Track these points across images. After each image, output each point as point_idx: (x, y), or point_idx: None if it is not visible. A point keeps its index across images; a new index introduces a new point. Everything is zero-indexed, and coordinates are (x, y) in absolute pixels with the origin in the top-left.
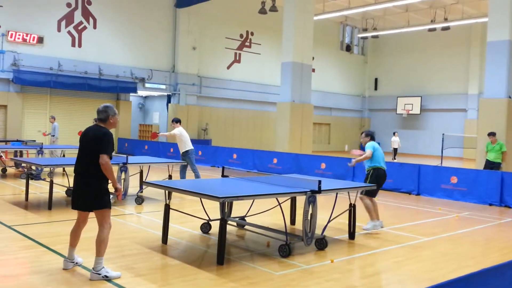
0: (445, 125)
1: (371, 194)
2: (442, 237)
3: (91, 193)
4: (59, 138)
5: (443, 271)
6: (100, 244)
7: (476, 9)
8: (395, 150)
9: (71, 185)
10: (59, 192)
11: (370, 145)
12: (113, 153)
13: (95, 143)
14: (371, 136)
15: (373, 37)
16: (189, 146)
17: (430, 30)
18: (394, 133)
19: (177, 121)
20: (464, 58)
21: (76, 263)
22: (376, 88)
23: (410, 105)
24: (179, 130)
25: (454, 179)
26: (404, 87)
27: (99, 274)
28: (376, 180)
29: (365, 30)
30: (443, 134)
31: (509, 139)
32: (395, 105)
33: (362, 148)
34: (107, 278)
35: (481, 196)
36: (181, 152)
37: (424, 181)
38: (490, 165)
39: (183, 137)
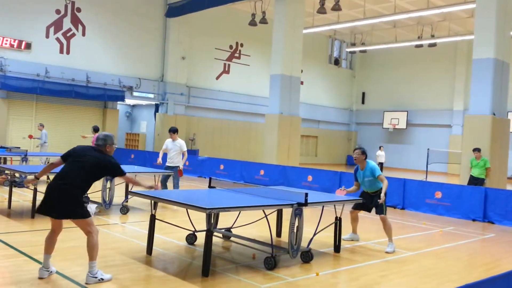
0: (431, 140)
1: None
2: (426, 251)
3: (74, 204)
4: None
5: (427, 285)
6: (92, 249)
7: (462, 27)
8: (381, 164)
9: None
10: None
11: (377, 168)
12: None
13: (103, 170)
14: (366, 155)
15: (361, 51)
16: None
17: (417, 46)
18: (380, 147)
19: (174, 131)
20: (450, 74)
21: (51, 272)
22: (363, 102)
23: (396, 119)
24: (184, 145)
25: (438, 194)
26: (390, 102)
27: (96, 277)
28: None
29: (353, 44)
30: (428, 149)
31: (493, 155)
32: (382, 119)
33: (352, 162)
34: (102, 281)
35: (465, 211)
36: (173, 165)
37: (409, 195)
38: (474, 181)
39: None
